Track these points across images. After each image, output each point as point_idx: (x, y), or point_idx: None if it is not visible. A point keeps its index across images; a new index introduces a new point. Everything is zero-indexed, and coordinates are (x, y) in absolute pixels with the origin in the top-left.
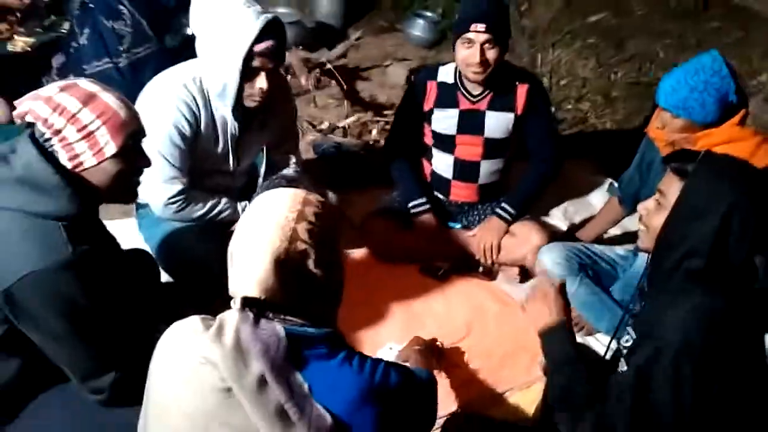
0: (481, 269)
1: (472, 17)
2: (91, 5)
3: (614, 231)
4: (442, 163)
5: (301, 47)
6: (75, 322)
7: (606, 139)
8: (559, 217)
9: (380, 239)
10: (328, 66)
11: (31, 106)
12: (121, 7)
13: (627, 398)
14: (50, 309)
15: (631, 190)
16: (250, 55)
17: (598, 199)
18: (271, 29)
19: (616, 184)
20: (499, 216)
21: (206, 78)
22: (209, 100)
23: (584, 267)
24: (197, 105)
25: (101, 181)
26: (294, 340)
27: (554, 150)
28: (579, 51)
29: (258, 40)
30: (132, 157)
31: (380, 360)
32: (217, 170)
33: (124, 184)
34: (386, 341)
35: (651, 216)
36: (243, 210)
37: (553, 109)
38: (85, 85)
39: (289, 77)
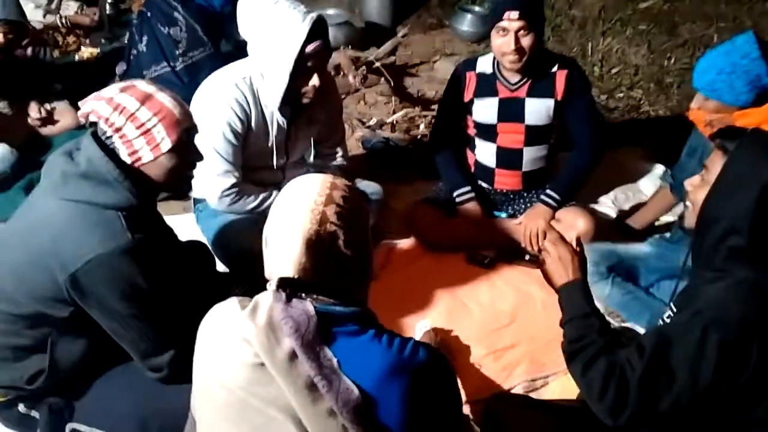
0: (527, 257)
1: (505, 5)
2: (148, 14)
3: (666, 218)
4: (485, 153)
5: (350, 47)
6: (135, 303)
7: (660, 126)
8: (608, 205)
9: (426, 228)
10: (377, 64)
11: (93, 106)
12: (176, 14)
13: (647, 352)
14: (112, 291)
15: (683, 177)
16: (301, 56)
17: (648, 186)
18: (318, 28)
19: (669, 172)
20: (545, 202)
21: (256, 77)
22: (259, 98)
23: (613, 268)
24: (248, 103)
25: (158, 175)
26: (324, 317)
27: (596, 136)
28: (630, 38)
29: (308, 41)
30: (185, 152)
31: (410, 338)
32: (268, 165)
33: (178, 177)
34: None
35: (696, 191)
36: None
37: (605, 97)
38: (143, 86)
39: (339, 76)
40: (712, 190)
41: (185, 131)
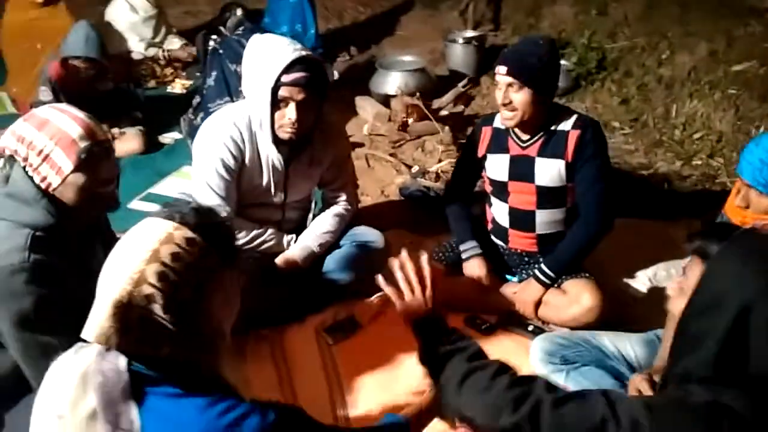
0: (530, 328)
1: (498, 59)
2: (220, 51)
3: None
4: (499, 211)
5: (418, 94)
6: (22, 323)
7: None
8: (644, 281)
9: None
10: (445, 112)
11: (3, 140)
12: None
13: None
14: (3, 306)
15: None
16: (277, 85)
17: None
18: (305, 64)
19: None
20: (537, 278)
21: (252, 115)
22: (256, 136)
23: (576, 360)
24: (243, 141)
25: (71, 197)
26: (138, 375)
27: (601, 206)
28: (718, 102)
29: (287, 71)
30: (94, 169)
31: (247, 404)
32: (266, 203)
33: (93, 195)
34: (403, 384)
35: (673, 300)
36: (288, 243)
37: (681, 163)
38: (42, 112)
39: (400, 120)
40: (689, 304)
41: (86, 150)
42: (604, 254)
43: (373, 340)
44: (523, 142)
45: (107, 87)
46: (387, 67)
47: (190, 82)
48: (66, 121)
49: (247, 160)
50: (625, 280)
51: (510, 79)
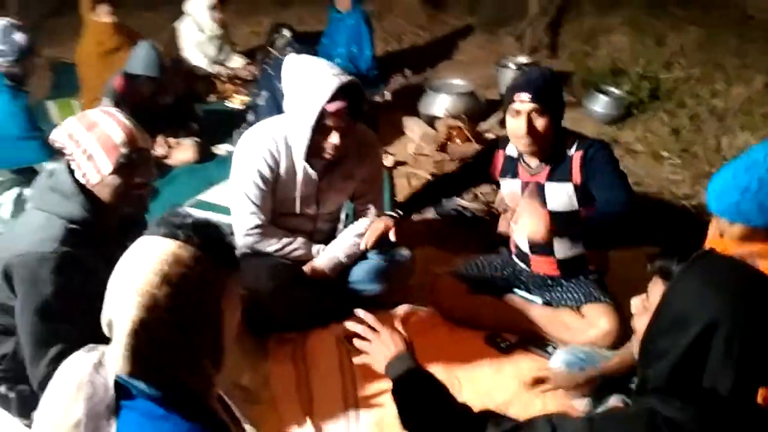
0: (549, 349)
1: (516, 88)
2: (270, 71)
3: None
4: (519, 236)
5: (466, 116)
6: (37, 306)
7: None
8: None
9: (446, 301)
10: (490, 135)
11: (56, 134)
12: None
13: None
14: (25, 287)
15: None
16: (322, 114)
17: None
18: (348, 91)
19: None
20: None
21: (290, 132)
22: (292, 150)
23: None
24: (279, 154)
25: (107, 195)
26: (121, 389)
27: (624, 189)
28: None
29: (331, 100)
30: (129, 174)
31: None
32: (299, 213)
33: (125, 195)
34: None
35: (637, 318)
36: (317, 252)
37: None
38: (94, 114)
39: (446, 141)
40: (652, 322)
41: (126, 155)
42: (633, 277)
43: None
44: (533, 168)
45: (166, 101)
46: (436, 90)
47: (249, 99)
48: (112, 126)
49: (282, 172)
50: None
51: (534, 105)
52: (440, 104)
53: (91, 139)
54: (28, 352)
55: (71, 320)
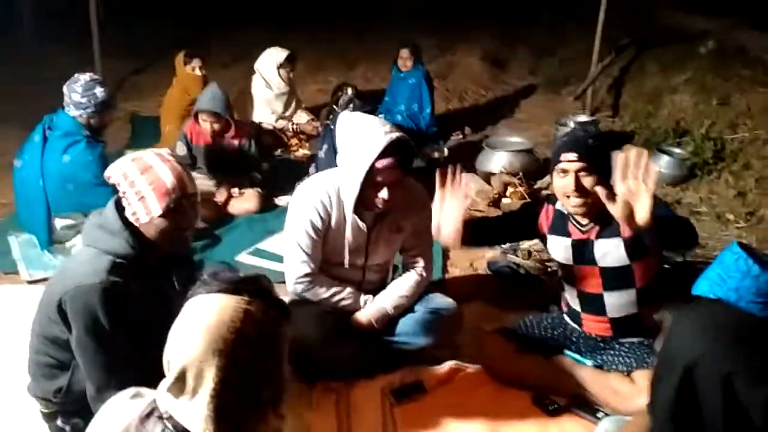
0: (599, 414)
1: (562, 147)
2: (331, 126)
3: None
4: (570, 295)
5: (521, 174)
6: (94, 335)
7: None
8: None
9: (494, 359)
10: (547, 192)
11: (112, 171)
12: None
13: None
14: (79, 318)
15: None
16: (372, 170)
17: None
18: (398, 146)
19: None
20: None
21: (342, 184)
22: (343, 203)
23: None
24: (332, 206)
25: (153, 234)
26: None
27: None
28: None
29: (381, 156)
30: (177, 217)
31: None
32: (349, 264)
33: (170, 237)
34: None
35: None
36: (365, 302)
37: None
38: (149, 157)
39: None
40: (654, 372)
41: (176, 200)
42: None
43: (436, 407)
44: (583, 226)
45: (233, 146)
46: (493, 147)
47: (309, 153)
48: (165, 171)
49: (333, 223)
50: None
51: (581, 164)
52: (497, 161)
53: (145, 181)
54: (95, 380)
55: (126, 348)
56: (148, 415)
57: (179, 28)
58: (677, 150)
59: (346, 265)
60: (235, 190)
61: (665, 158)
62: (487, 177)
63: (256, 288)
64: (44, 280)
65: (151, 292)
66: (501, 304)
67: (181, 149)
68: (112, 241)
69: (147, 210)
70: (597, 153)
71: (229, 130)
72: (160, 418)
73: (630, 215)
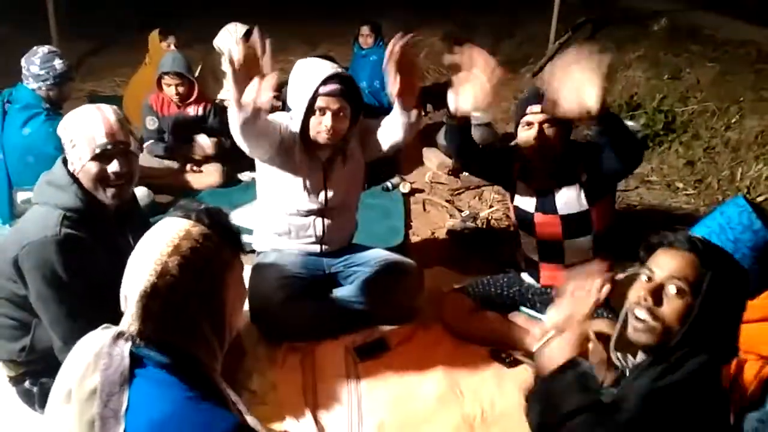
0: None
1: (529, 99)
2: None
3: None
4: (529, 246)
5: (482, 146)
6: (53, 288)
7: None
8: None
9: (453, 318)
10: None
11: (59, 129)
12: None
13: None
14: (37, 274)
15: None
16: (315, 97)
17: None
18: (340, 79)
19: None
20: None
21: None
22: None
23: None
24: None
25: (87, 183)
26: (135, 359)
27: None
28: None
29: (323, 84)
30: (104, 163)
31: (220, 410)
32: (308, 206)
33: (102, 185)
34: (420, 407)
35: None
36: None
37: None
38: (83, 109)
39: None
40: None
41: (102, 146)
42: None
43: (398, 363)
44: (545, 176)
45: (197, 112)
46: None
47: None
48: (96, 119)
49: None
50: None
51: (545, 116)
52: None
53: (77, 129)
54: (59, 332)
55: (84, 298)
56: (119, 335)
57: (135, 10)
58: (630, 123)
59: (307, 199)
60: (194, 167)
61: None
62: (448, 150)
63: (209, 216)
64: None
65: (105, 246)
66: (460, 268)
67: (152, 123)
68: (61, 195)
69: (78, 156)
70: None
71: (192, 93)
72: (130, 337)
73: (582, 104)
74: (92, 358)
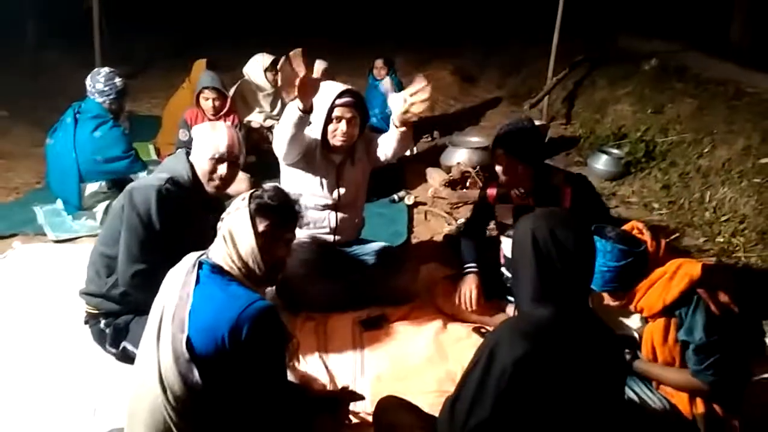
0: None
1: (494, 142)
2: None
3: None
4: (507, 246)
5: (478, 167)
6: (141, 219)
7: (749, 275)
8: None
9: (442, 301)
10: None
11: (193, 131)
12: None
13: None
14: (136, 204)
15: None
16: (332, 108)
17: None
18: (352, 94)
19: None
20: None
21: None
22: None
23: None
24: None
25: (199, 171)
26: (211, 266)
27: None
28: (744, 189)
29: (339, 97)
30: (216, 165)
31: (253, 297)
32: (323, 199)
33: (209, 178)
34: (412, 367)
35: None
36: None
37: (704, 239)
38: (220, 123)
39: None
40: None
41: (221, 154)
42: None
43: (396, 334)
44: (522, 194)
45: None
46: (455, 144)
47: None
48: (224, 134)
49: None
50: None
51: (509, 158)
52: (458, 156)
53: (210, 136)
54: (122, 260)
55: (160, 241)
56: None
57: (171, 37)
58: (614, 150)
59: (323, 195)
60: None
61: (604, 157)
62: (449, 170)
63: (271, 194)
64: (70, 240)
65: (192, 216)
66: (452, 265)
67: (184, 135)
68: (176, 164)
69: (202, 153)
70: (521, 144)
71: (225, 106)
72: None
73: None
74: (187, 265)
